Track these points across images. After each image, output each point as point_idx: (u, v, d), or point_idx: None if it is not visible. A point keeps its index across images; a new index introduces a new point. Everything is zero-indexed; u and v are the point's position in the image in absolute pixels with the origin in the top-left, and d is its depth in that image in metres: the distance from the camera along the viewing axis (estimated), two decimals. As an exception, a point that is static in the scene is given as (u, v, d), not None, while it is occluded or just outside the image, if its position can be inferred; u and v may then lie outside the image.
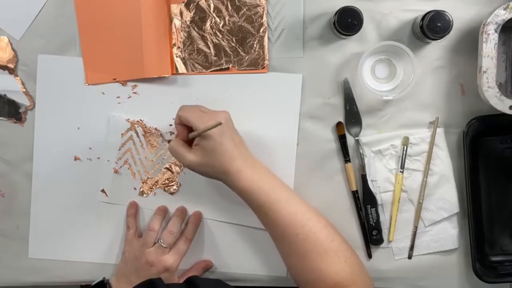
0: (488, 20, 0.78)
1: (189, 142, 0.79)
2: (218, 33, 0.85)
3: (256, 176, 0.77)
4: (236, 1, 0.85)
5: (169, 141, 0.87)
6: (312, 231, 0.76)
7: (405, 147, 0.85)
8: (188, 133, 0.78)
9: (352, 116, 0.86)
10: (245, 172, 0.77)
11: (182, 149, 0.77)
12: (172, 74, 0.86)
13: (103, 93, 0.87)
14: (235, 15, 0.85)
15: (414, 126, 0.86)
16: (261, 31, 0.85)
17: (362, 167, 0.86)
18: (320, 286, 0.75)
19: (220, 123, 0.73)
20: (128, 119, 0.87)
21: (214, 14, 0.85)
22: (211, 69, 0.86)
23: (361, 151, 0.86)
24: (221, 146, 0.75)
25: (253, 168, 0.78)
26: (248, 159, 0.78)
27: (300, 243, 0.76)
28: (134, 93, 0.87)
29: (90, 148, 0.88)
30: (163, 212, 0.87)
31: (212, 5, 0.85)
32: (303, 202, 0.79)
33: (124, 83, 0.87)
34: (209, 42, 0.86)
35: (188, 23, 0.86)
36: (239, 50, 0.86)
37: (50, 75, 0.87)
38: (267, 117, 0.86)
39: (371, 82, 0.85)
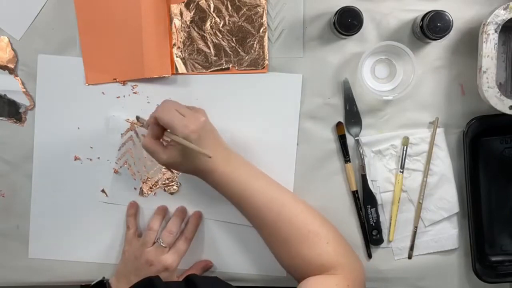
0: (488, 20, 0.78)
1: (159, 136, 0.78)
2: (218, 33, 0.85)
3: (228, 169, 0.78)
4: (236, 1, 0.85)
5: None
6: (288, 217, 0.77)
7: (405, 147, 0.85)
8: (163, 132, 0.77)
9: (352, 116, 0.86)
10: (218, 169, 0.77)
11: (157, 148, 0.77)
12: (172, 74, 0.86)
13: (103, 93, 0.87)
14: (235, 15, 0.85)
15: (414, 126, 0.86)
16: (261, 31, 0.85)
17: (362, 167, 0.86)
18: (306, 270, 0.76)
19: (210, 157, 0.73)
20: (128, 119, 0.87)
21: (214, 14, 0.85)
22: (211, 69, 0.86)
23: (361, 151, 0.86)
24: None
25: (227, 162, 0.78)
26: (222, 154, 0.78)
27: (279, 230, 0.77)
28: (134, 93, 0.87)
29: (91, 148, 0.88)
30: (163, 212, 0.88)
31: (212, 5, 0.85)
32: (278, 190, 0.80)
33: (124, 83, 0.87)
34: (209, 42, 0.86)
35: (188, 23, 0.86)
36: (239, 50, 0.86)
37: (50, 75, 0.87)
38: (267, 117, 0.86)
39: (371, 82, 0.85)
